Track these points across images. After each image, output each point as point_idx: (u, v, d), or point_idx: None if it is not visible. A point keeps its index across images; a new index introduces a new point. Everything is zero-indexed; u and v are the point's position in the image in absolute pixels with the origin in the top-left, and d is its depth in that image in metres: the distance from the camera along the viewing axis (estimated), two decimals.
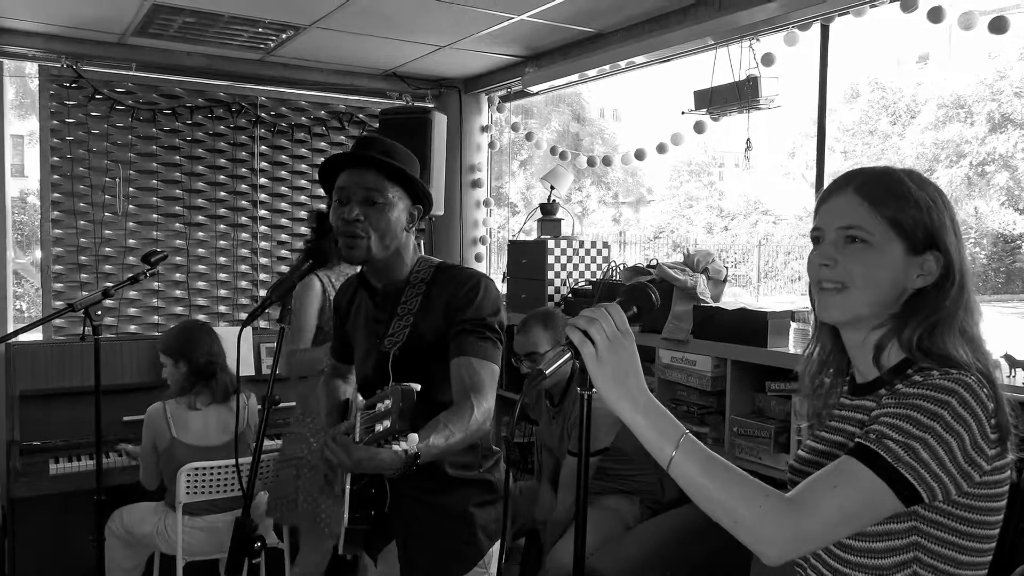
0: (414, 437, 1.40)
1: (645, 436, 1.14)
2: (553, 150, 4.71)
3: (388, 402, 1.39)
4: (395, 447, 1.37)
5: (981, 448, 1.07)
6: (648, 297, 1.24)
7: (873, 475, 1.05)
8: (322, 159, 4.56)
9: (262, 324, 4.22)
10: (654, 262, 3.48)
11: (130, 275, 2.87)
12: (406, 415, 1.36)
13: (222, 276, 4.35)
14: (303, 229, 4.55)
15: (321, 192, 4.59)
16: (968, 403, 1.06)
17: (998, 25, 2.56)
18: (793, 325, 2.74)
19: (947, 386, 1.08)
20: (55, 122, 3.91)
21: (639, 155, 4.07)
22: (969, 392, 1.07)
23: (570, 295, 3.86)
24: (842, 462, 1.08)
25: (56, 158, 3.91)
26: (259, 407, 3.23)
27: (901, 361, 1.18)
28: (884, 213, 1.17)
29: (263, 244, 4.44)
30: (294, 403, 3.83)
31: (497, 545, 1.88)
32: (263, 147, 4.41)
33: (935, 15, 2.66)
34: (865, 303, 1.18)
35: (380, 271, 1.84)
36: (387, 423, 1.36)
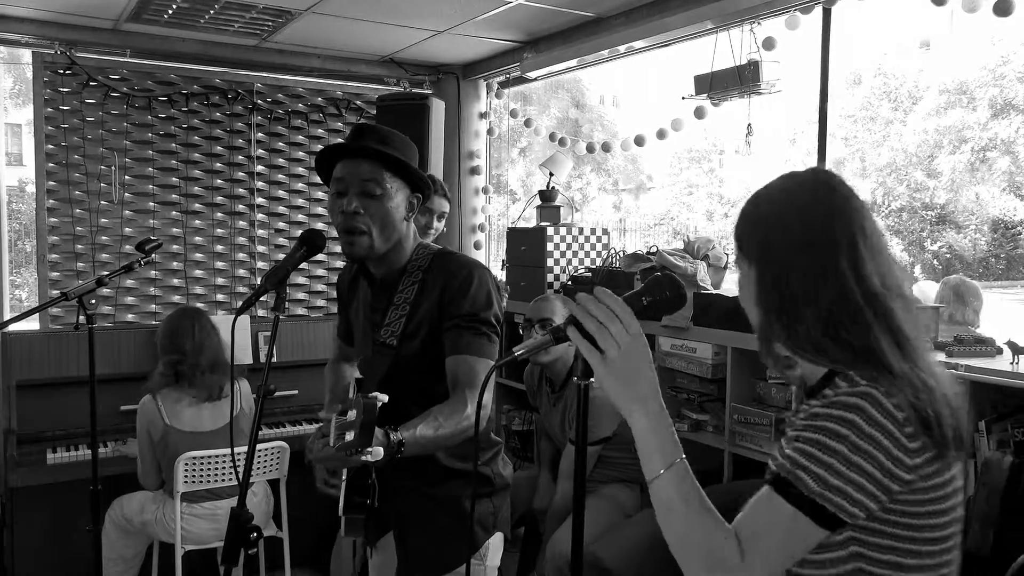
0: (379, 451, 1.38)
1: (644, 443, 1.11)
2: (552, 136, 4.67)
3: (353, 413, 1.37)
4: (363, 458, 1.35)
5: (897, 459, 1.04)
6: (661, 291, 1.17)
7: (793, 509, 1.04)
8: (319, 146, 4.58)
9: (260, 312, 4.20)
10: (654, 249, 3.46)
11: (125, 263, 2.85)
12: (368, 429, 1.33)
13: (219, 264, 4.32)
14: (301, 216, 4.53)
15: (319, 180, 4.56)
16: (873, 419, 1.04)
17: (1003, 7, 2.52)
18: None
19: (851, 403, 1.06)
20: (49, 109, 3.87)
21: (639, 141, 4.04)
22: (874, 406, 1.04)
23: (569, 282, 3.83)
24: (766, 497, 1.08)
25: (51, 146, 3.88)
26: (253, 395, 3.22)
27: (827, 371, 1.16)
28: (735, 232, 1.23)
29: (260, 232, 4.41)
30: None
31: (495, 537, 1.87)
32: (260, 134, 4.37)
33: None
34: (749, 315, 1.24)
35: (379, 260, 1.81)
36: (351, 435, 1.34)
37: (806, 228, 1.14)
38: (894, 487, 1.05)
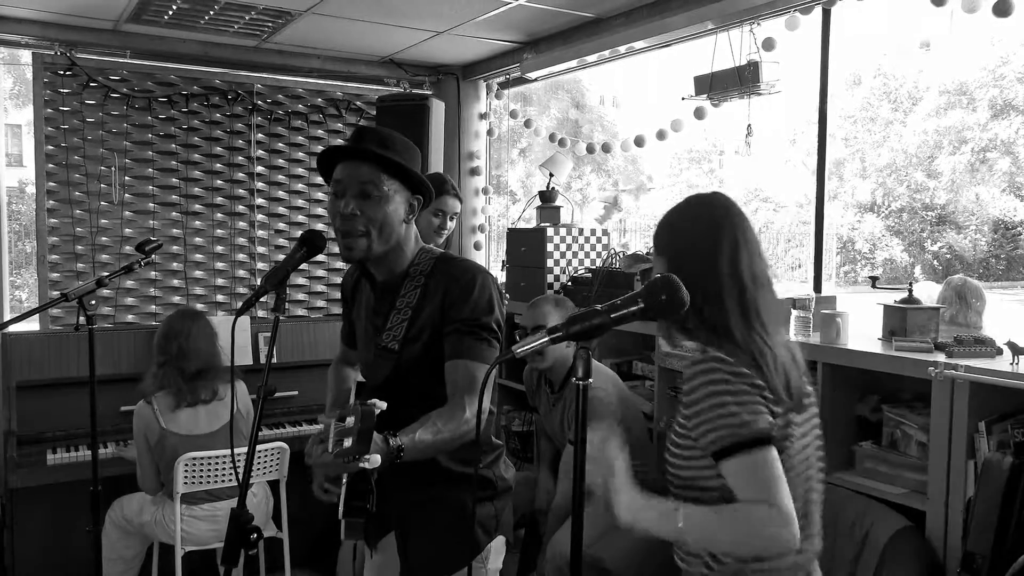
0: (376, 458, 1.38)
1: (651, 524, 1.35)
2: (552, 137, 4.68)
3: (351, 420, 1.37)
4: (361, 465, 1.35)
5: (759, 386, 1.35)
6: (657, 295, 1.20)
7: (754, 454, 1.30)
8: (319, 147, 4.58)
9: (260, 313, 4.20)
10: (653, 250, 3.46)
11: (125, 264, 2.85)
12: (366, 436, 1.33)
13: (219, 265, 4.32)
14: (300, 217, 4.53)
15: (319, 180, 4.58)
16: (727, 370, 1.35)
17: (1002, 8, 2.53)
18: (794, 312, 2.72)
19: (706, 367, 1.36)
20: (49, 110, 3.87)
21: (638, 142, 4.04)
22: (718, 361, 1.35)
23: (569, 283, 3.83)
24: (733, 466, 1.32)
25: (51, 147, 3.88)
26: (252, 396, 3.22)
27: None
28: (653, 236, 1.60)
29: (260, 233, 4.41)
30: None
31: (497, 541, 1.87)
32: (260, 135, 4.37)
33: None
34: None
35: (380, 263, 1.80)
36: (349, 442, 1.34)
37: (696, 235, 1.48)
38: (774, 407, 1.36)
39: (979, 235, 19.21)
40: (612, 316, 1.19)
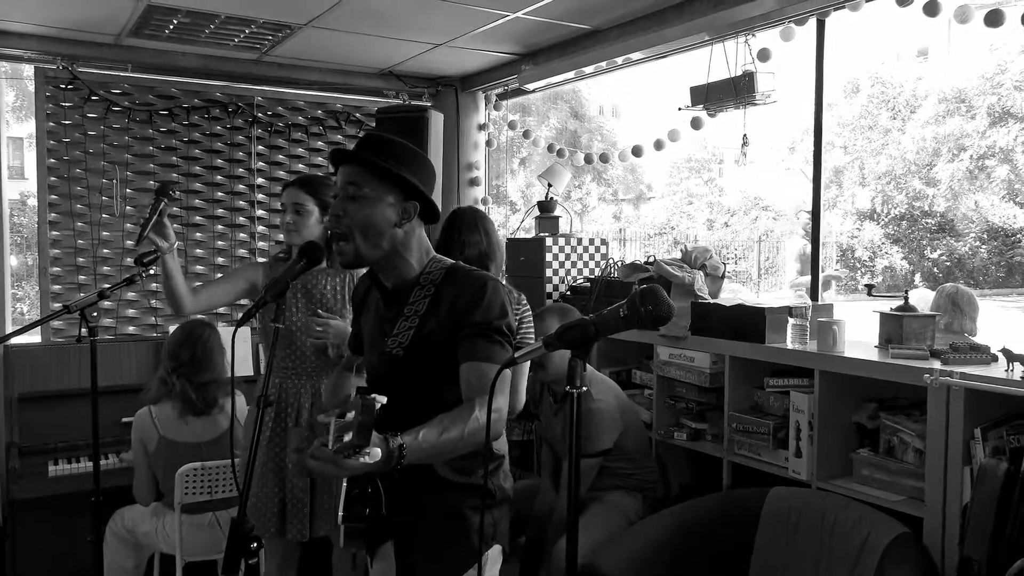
0: (376, 452, 1.37)
1: None
2: (551, 148, 4.70)
3: (351, 414, 1.37)
4: (361, 459, 1.35)
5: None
6: (637, 307, 1.23)
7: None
8: (320, 158, 4.60)
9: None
10: (652, 259, 3.48)
11: (126, 276, 2.87)
12: (366, 428, 1.32)
13: (220, 276, 4.33)
14: None
15: None
16: None
17: (994, 19, 2.55)
18: (791, 321, 2.74)
19: None
20: (51, 124, 3.90)
21: (636, 152, 4.07)
22: None
23: (568, 293, 3.85)
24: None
25: (53, 160, 3.91)
26: (248, 407, 3.23)
27: None
28: None
29: (261, 244, 4.43)
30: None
31: (493, 550, 1.87)
32: (260, 147, 4.40)
33: (931, 9, 2.66)
34: None
35: (388, 270, 1.81)
36: (349, 435, 1.34)
37: None
38: None
39: (978, 242, 19.24)
40: (598, 325, 1.23)
